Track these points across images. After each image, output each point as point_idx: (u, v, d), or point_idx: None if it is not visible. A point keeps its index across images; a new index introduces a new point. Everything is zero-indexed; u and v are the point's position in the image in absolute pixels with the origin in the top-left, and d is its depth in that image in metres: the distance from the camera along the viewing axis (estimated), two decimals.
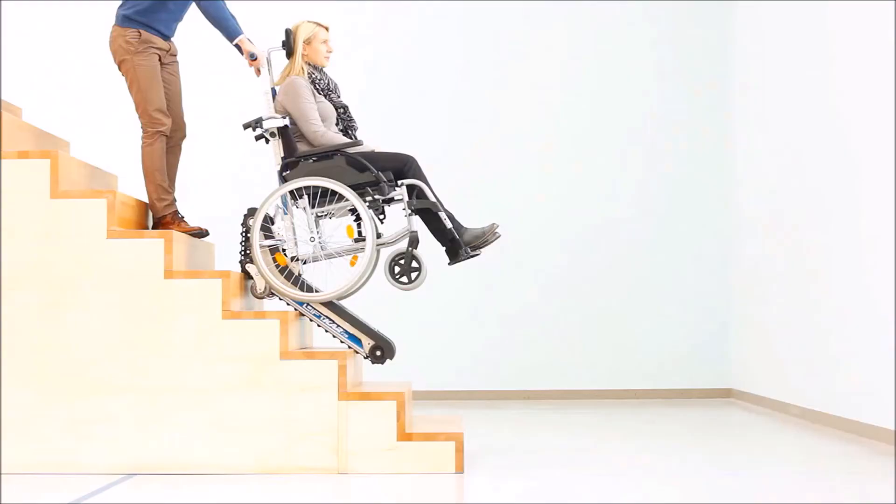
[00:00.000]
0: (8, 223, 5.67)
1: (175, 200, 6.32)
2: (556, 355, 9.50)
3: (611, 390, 9.48)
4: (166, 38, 6.29)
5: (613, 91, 9.61)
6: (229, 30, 6.15)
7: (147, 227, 6.33)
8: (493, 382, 9.49)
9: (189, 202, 6.96)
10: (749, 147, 9.02)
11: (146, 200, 6.33)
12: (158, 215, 6.27)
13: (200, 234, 6.31)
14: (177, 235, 5.86)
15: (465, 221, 6.10)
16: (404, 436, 5.64)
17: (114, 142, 8.75)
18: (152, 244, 5.71)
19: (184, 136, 6.43)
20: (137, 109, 6.23)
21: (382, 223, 6.10)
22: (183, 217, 6.35)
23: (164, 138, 6.23)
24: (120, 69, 6.27)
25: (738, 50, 9.31)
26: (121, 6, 6.25)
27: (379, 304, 9.29)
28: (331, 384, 5.64)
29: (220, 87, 9.23)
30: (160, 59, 6.25)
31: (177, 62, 6.41)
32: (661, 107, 9.61)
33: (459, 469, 5.62)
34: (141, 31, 6.18)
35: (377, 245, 6.00)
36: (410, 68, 9.62)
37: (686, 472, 5.81)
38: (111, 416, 5.62)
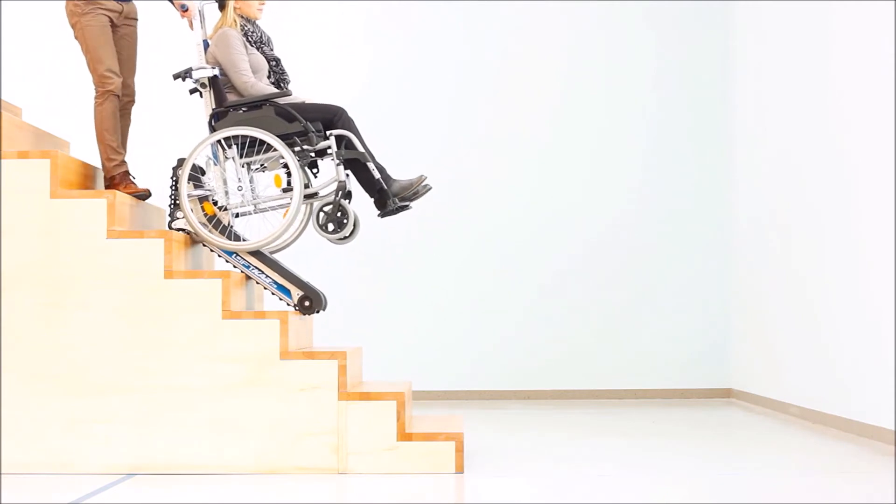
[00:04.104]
0: (8, 223, 5.67)
1: (125, 161, 6.26)
2: (556, 355, 9.49)
3: (611, 390, 9.47)
4: None
5: (613, 94, 9.59)
6: None
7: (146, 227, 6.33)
8: (493, 382, 9.48)
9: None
10: (749, 149, 9.01)
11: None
12: (108, 175, 6.22)
13: (145, 196, 6.25)
14: (176, 235, 5.86)
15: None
16: (404, 436, 5.64)
17: None
18: (152, 244, 5.71)
19: (132, 102, 6.36)
20: (88, 69, 6.19)
21: (316, 177, 6.11)
22: (133, 179, 6.29)
23: (116, 98, 6.17)
24: (75, 36, 6.24)
25: (739, 52, 9.31)
26: None
27: (379, 303, 9.31)
28: (331, 384, 5.64)
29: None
30: (113, 22, 6.22)
31: (134, 27, 6.35)
32: (662, 110, 9.58)
33: (459, 469, 5.61)
34: None
35: (305, 195, 6.00)
36: (410, 71, 9.59)
37: (686, 472, 5.80)
38: (111, 416, 5.62)
